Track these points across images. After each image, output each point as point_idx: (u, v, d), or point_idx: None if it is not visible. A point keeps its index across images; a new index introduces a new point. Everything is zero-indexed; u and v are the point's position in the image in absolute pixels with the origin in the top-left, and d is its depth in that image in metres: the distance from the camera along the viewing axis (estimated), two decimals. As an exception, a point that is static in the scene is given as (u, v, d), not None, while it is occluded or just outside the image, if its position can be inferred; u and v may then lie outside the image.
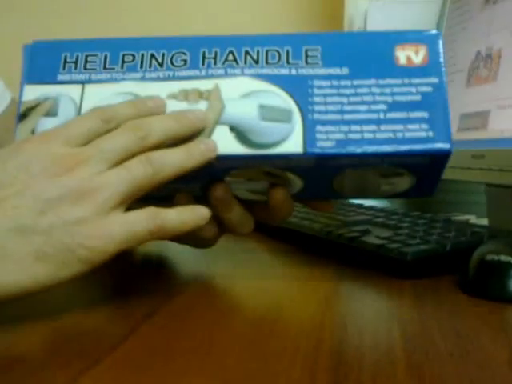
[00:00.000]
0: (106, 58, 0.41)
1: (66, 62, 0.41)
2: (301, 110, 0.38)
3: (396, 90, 0.39)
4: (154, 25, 1.01)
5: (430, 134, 0.38)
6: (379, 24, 0.75)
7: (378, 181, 0.41)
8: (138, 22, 1.02)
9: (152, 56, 0.41)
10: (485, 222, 0.63)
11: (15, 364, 0.27)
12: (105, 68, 0.40)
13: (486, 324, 0.33)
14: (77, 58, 0.41)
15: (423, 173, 0.40)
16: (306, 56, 0.40)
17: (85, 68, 0.40)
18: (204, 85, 0.39)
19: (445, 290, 0.40)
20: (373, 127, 0.38)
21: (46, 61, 0.41)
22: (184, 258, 0.55)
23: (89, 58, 0.41)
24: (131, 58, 0.41)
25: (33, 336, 0.31)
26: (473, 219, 0.68)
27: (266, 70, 0.40)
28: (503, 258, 0.38)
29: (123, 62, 0.41)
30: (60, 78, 0.40)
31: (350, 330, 0.32)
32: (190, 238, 0.41)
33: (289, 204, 0.42)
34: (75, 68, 0.40)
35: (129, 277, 0.45)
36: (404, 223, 0.52)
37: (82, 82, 0.40)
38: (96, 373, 0.26)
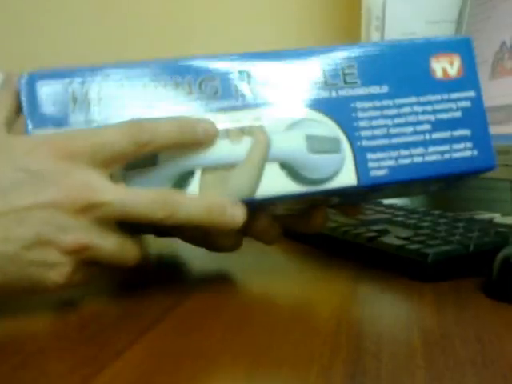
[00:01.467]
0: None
1: (75, 98, 0.34)
2: (348, 137, 0.37)
3: (437, 107, 0.38)
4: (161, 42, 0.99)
5: (475, 152, 0.38)
6: (398, 14, 0.73)
7: (416, 188, 0.41)
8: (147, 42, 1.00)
9: (176, 84, 0.35)
10: (510, 220, 0.61)
11: (17, 370, 0.27)
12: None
13: (510, 330, 0.32)
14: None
15: (460, 181, 0.41)
16: (344, 75, 0.37)
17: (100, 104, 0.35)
18: (244, 117, 0.36)
19: (467, 294, 0.39)
20: (421, 150, 0.37)
21: (50, 98, 0.34)
22: (194, 258, 0.54)
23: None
24: (154, 87, 0.35)
25: (35, 340, 0.31)
26: (497, 218, 0.66)
27: (306, 95, 0.37)
28: (530, 260, 0.36)
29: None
30: (72, 119, 0.34)
31: (367, 336, 0.31)
32: (210, 243, 0.40)
33: (326, 219, 0.41)
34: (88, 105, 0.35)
35: (137, 279, 0.45)
36: (425, 222, 0.51)
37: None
38: (100, 380, 0.26)
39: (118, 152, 0.33)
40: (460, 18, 0.70)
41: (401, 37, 0.73)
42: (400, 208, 0.60)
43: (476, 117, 0.38)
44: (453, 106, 0.38)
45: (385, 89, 0.38)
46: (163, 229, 0.40)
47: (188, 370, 0.27)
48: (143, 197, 0.33)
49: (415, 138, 0.37)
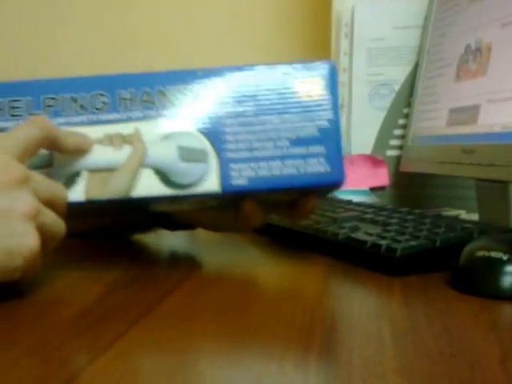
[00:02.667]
0: (29, 103, 0.41)
1: None
2: (215, 149, 0.41)
3: (297, 125, 0.42)
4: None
5: (328, 168, 0.41)
6: (366, 20, 0.74)
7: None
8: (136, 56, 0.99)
9: (72, 99, 0.42)
10: (475, 217, 0.63)
11: (20, 359, 0.28)
12: (30, 114, 0.41)
13: (476, 321, 0.33)
14: (1, 104, 0.41)
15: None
16: (216, 94, 0.42)
17: (11, 115, 0.41)
18: (125, 128, 0.41)
19: (435, 287, 0.40)
20: (278, 163, 0.41)
21: None
22: (173, 253, 0.55)
23: (12, 104, 0.41)
24: (52, 102, 0.41)
25: (35, 333, 0.31)
26: (463, 214, 0.68)
27: (180, 111, 0.41)
28: (494, 254, 0.38)
29: (46, 106, 0.41)
30: None
31: (339, 329, 0.32)
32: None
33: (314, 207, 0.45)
34: (2, 115, 0.41)
35: (123, 276, 0.45)
36: (393, 219, 0.52)
37: None
38: (93, 369, 0.26)
39: (33, 141, 0.38)
40: (426, 24, 0.72)
41: (369, 42, 0.74)
42: (369, 206, 0.61)
43: (331, 136, 0.42)
44: (311, 124, 0.42)
45: (251, 107, 0.42)
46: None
47: (169, 362, 0.27)
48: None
49: (274, 152, 0.41)
